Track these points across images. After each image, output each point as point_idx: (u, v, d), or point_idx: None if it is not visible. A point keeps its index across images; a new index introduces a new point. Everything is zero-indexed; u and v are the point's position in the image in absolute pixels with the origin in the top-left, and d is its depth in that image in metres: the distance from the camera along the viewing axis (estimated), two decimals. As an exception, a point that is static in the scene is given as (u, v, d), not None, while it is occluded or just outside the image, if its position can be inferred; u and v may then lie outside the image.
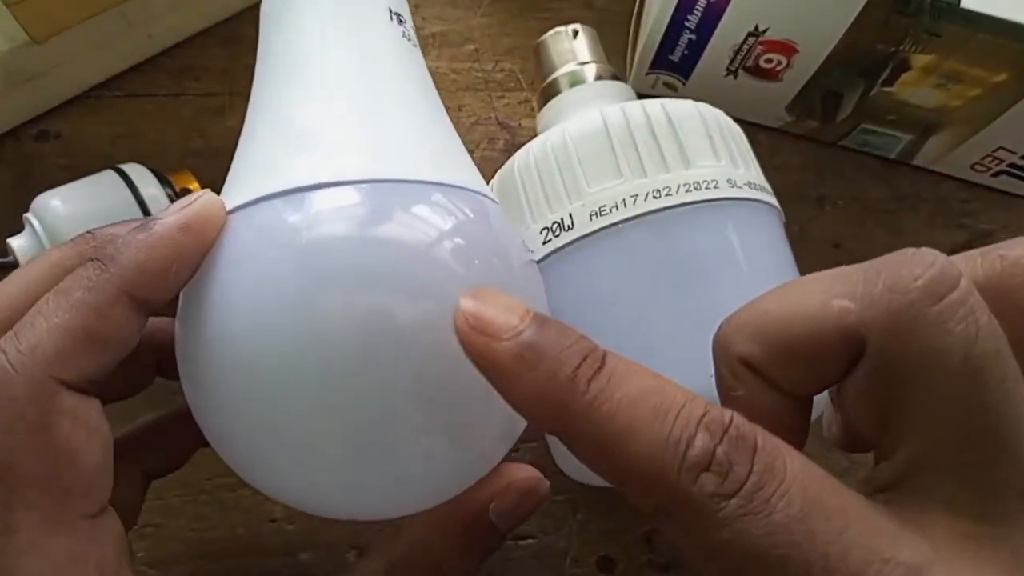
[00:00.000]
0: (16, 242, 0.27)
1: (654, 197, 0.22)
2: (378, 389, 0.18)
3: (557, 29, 0.29)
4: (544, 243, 0.23)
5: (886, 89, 0.31)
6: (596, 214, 0.23)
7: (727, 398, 0.17)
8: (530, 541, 0.29)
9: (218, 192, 0.20)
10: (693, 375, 0.19)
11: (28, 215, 0.27)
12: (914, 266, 0.15)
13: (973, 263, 0.16)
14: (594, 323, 0.22)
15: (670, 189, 0.22)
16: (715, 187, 0.23)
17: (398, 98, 0.21)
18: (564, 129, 0.24)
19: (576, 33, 0.29)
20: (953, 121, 0.31)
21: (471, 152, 0.33)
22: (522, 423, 0.20)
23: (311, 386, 0.18)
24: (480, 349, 0.16)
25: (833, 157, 0.35)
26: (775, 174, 0.29)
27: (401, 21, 0.23)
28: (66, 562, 0.17)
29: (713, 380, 0.17)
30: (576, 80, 0.28)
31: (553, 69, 0.28)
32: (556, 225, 0.23)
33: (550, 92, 0.28)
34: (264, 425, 0.18)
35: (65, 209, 0.27)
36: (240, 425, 0.19)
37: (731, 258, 0.22)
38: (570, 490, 0.23)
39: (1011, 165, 0.33)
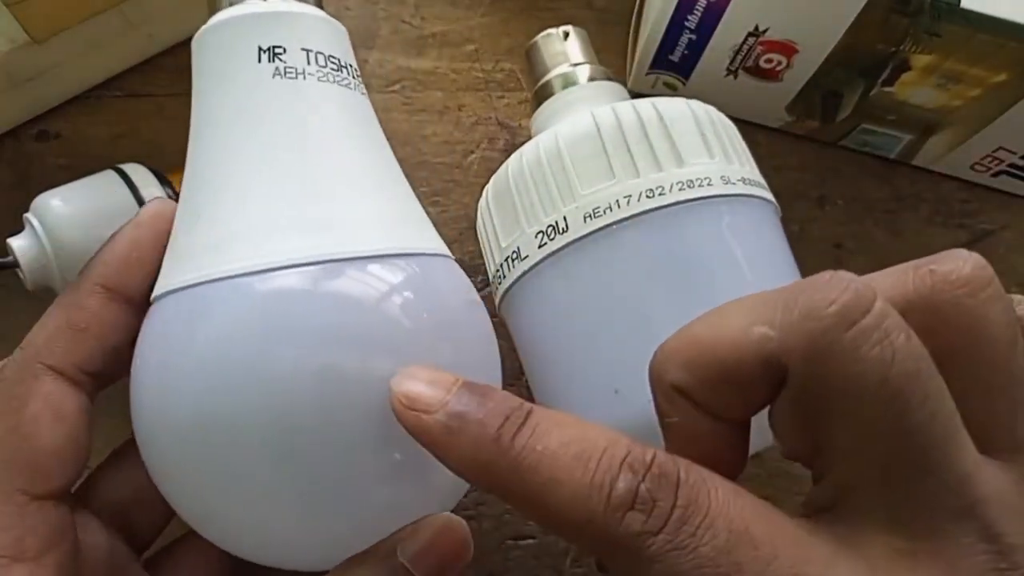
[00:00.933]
0: (16, 242, 0.27)
1: (647, 197, 0.22)
2: (327, 443, 0.18)
3: (548, 31, 0.29)
4: (539, 247, 0.23)
5: (886, 89, 0.31)
6: (590, 216, 0.22)
7: (663, 425, 0.17)
8: (530, 541, 0.29)
9: None
10: None
11: (28, 215, 0.27)
12: (829, 291, 0.15)
13: (905, 278, 0.16)
14: (593, 325, 0.22)
15: (663, 188, 0.22)
16: (708, 184, 0.23)
17: (328, 161, 0.20)
18: (556, 132, 0.24)
19: (567, 35, 0.29)
20: (953, 121, 0.31)
21: (471, 152, 0.34)
22: None
23: (262, 443, 0.18)
24: (413, 424, 0.17)
25: (833, 157, 0.35)
26: (775, 174, 0.29)
27: (357, 76, 0.22)
28: None
29: None
30: (569, 82, 0.27)
31: (546, 71, 0.28)
32: (551, 228, 0.23)
33: (543, 95, 0.28)
34: (217, 484, 0.19)
35: (65, 209, 0.27)
36: (194, 485, 0.19)
37: (728, 255, 0.22)
38: (570, 490, 0.23)
39: (1011, 165, 0.33)
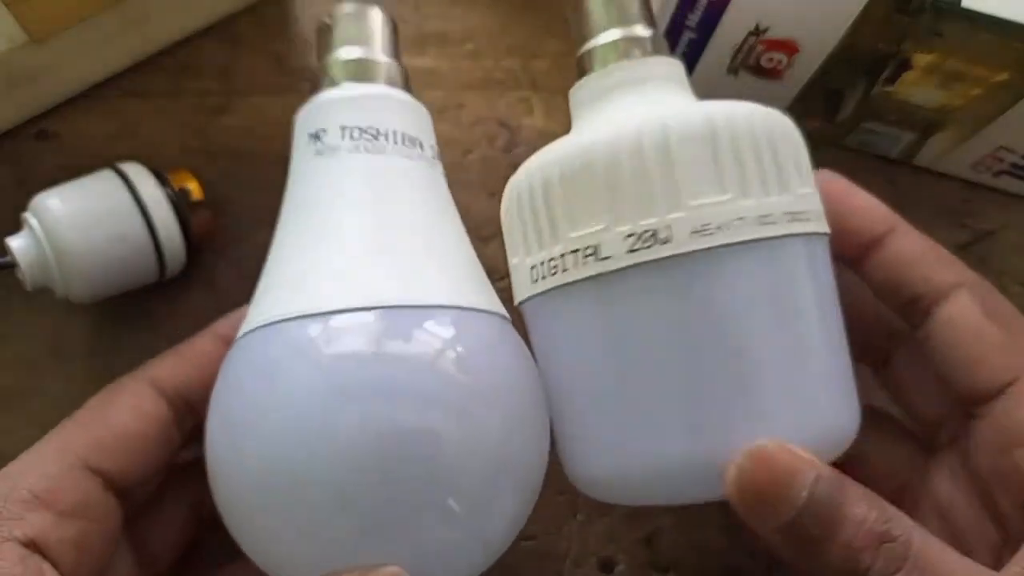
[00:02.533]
0: (15, 242, 0.27)
1: (760, 224, 0.20)
2: (386, 495, 0.19)
3: None
4: (630, 251, 0.20)
5: (887, 88, 0.31)
6: (699, 232, 0.20)
7: None
8: (530, 542, 0.29)
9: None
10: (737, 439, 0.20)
11: (27, 214, 0.27)
12: None
13: None
14: (676, 348, 0.20)
15: (773, 216, 0.20)
16: (808, 220, 0.21)
17: (409, 227, 0.22)
18: (664, 120, 0.20)
19: None
20: (954, 120, 0.31)
21: (471, 151, 0.34)
22: (529, 508, 0.23)
23: (325, 494, 0.19)
24: (757, 514, 0.19)
25: (834, 156, 0.35)
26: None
27: (416, 145, 0.24)
28: None
29: None
30: (633, 51, 0.23)
31: (604, 27, 0.24)
32: (648, 234, 0.20)
33: (603, 57, 0.24)
34: (280, 528, 0.20)
35: (64, 208, 0.27)
36: (259, 527, 0.20)
37: (818, 295, 0.21)
38: (571, 490, 0.23)
39: (1012, 165, 0.33)
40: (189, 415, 0.23)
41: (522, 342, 0.23)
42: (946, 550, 0.18)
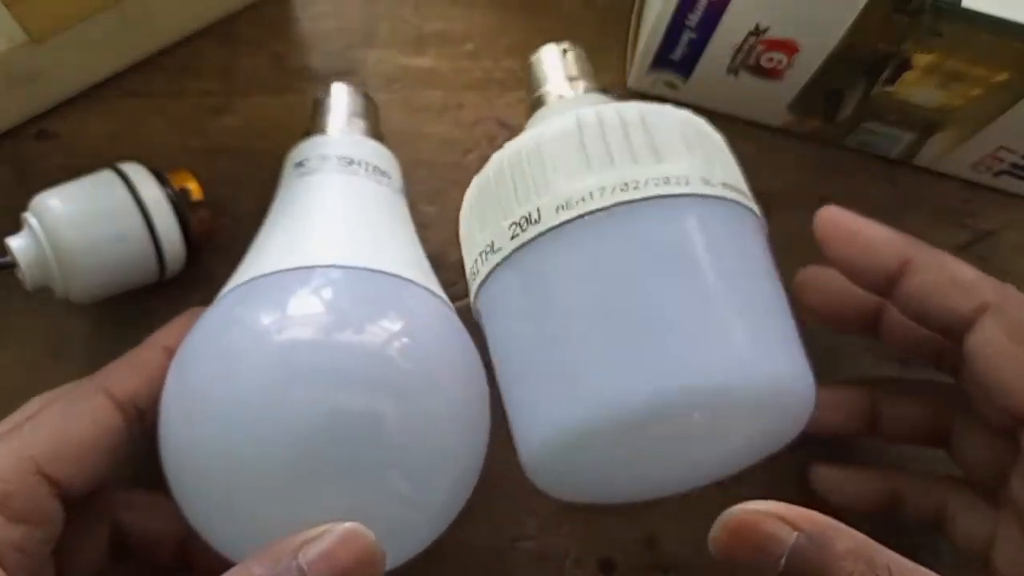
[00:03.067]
0: (15, 242, 0.27)
1: (621, 190, 0.22)
2: (335, 474, 0.21)
3: (549, 45, 0.29)
4: (512, 238, 0.23)
5: (887, 88, 0.31)
6: (563, 207, 0.22)
7: None
8: (530, 542, 0.29)
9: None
10: (647, 376, 0.20)
11: (27, 215, 0.27)
12: None
13: None
14: (560, 317, 0.22)
15: (638, 182, 0.22)
16: (686, 183, 0.22)
17: (371, 224, 0.26)
18: (538, 131, 0.24)
19: (566, 52, 0.29)
20: (954, 121, 0.31)
21: (471, 151, 0.34)
22: (472, 481, 0.24)
23: (277, 474, 0.21)
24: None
25: (834, 156, 0.35)
26: (776, 173, 0.29)
27: (385, 175, 0.28)
28: None
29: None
30: (562, 96, 0.28)
31: (541, 84, 0.28)
32: (524, 219, 0.22)
33: (536, 105, 0.28)
34: (233, 506, 0.21)
35: (64, 208, 0.27)
36: (213, 506, 0.22)
37: (694, 256, 0.22)
38: (570, 491, 0.23)
39: (1012, 165, 0.33)
40: (138, 425, 0.24)
41: (464, 329, 0.25)
42: None
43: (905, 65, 0.30)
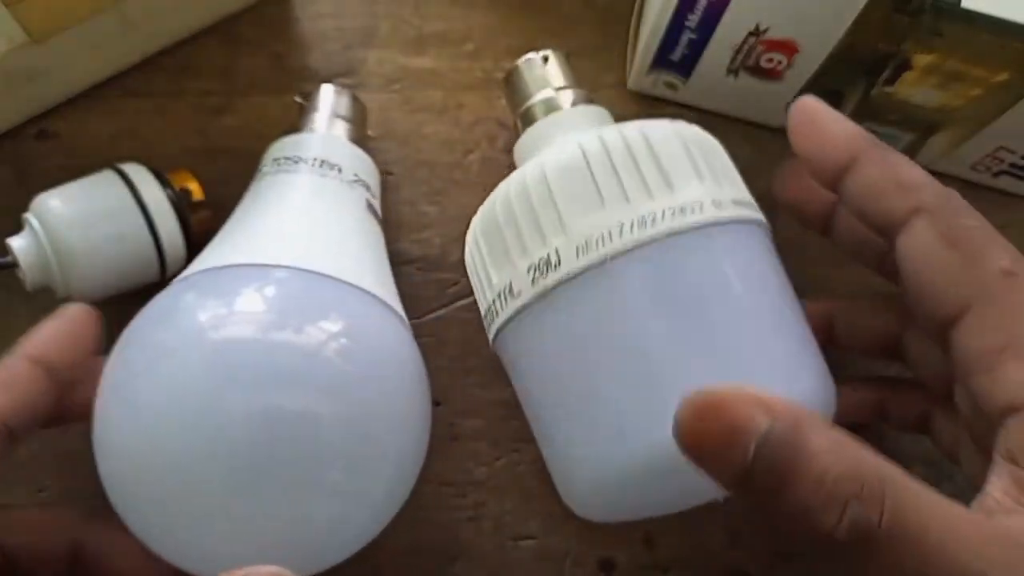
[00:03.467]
0: (16, 242, 0.27)
1: (639, 226, 0.21)
2: (273, 473, 0.21)
3: (528, 56, 0.29)
4: (532, 283, 0.22)
5: (887, 89, 0.31)
6: (582, 249, 0.21)
7: None
8: (530, 542, 0.29)
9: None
10: None
11: (27, 215, 0.27)
12: None
13: None
14: (592, 364, 0.22)
15: (655, 216, 0.21)
16: (700, 210, 0.22)
17: (308, 219, 0.26)
18: (541, 161, 0.23)
19: (547, 59, 0.28)
20: (954, 121, 0.31)
21: (471, 152, 0.34)
22: (410, 482, 0.25)
23: (213, 473, 0.21)
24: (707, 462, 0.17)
25: (834, 157, 0.35)
26: (776, 174, 0.29)
27: (334, 168, 0.28)
28: None
29: None
30: (551, 107, 0.27)
31: (528, 97, 0.28)
32: (543, 263, 0.22)
33: (526, 121, 0.28)
34: (169, 503, 0.21)
35: (65, 209, 0.27)
36: (149, 502, 0.22)
37: (724, 284, 0.22)
38: (570, 491, 0.23)
39: (1012, 165, 0.33)
40: (8, 445, 0.22)
41: (410, 339, 0.25)
42: (922, 494, 0.17)
43: (905, 65, 0.30)
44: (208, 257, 0.25)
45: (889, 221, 0.21)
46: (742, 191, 0.24)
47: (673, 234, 0.21)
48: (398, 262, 0.32)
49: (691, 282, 0.21)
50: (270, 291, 0.23)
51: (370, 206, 0.29)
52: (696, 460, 0.17)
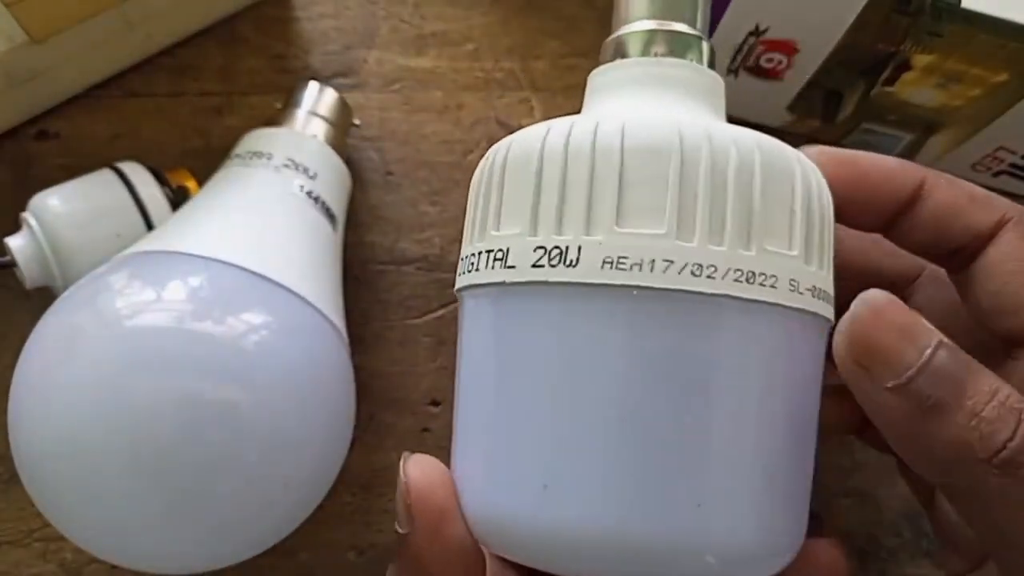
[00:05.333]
0: (14, 242, 0.27)
1: (693, 273, 0.16)
2: (184, 460, 0.21)
3: None
4: (533, 265, 0.17)
5: (887, 89, 0.31)
6: (611, 263, 0.17)
7: None
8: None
9: None
10: (625, 513, 0.16)
11: (26, 214, 0.27)
12: None
13: None
14: (557, 390, 0.17)
15: (715, 269, 0.16)
16: (772, 287, 0.17)
17: (222, 209, 0.26)
18: (624, 123, 0.17)
19: None
20: (954, 121, 0.31)
21: (471, 152, 0.34)
22: (333, 475, 0.25)
23: (124, 459, 0.21)
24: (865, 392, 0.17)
25: (834, 157, 0.35)
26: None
27: (263, 157, 0.28)
28: None
29: None
30: (670, 47, 0.20)
31: (629, 19, 0.21)
32: (557, 252, 0.17)
33: (619, 50, 0.21)
34: (79, 487, 0.21)
35: (63, 208, 0.27)
36: (59, 485, 0.22)
37: (749, 382, 0.17)
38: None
39: (1011, 165, 0.33)
40: None
41: (341, 349, 0.25)
42: None
43: (905, 65, 0.30)
44: (152, 239, 0.25)
45: (975, 235, 0.20)
46: (827, 277, 0.19)
47: (725, 297, 0.17)
48: (398, 262, 0.32)
49: (716, 363, 0.17)
50: (195, 281, 0.23)
51: (327, 210, 0.28)
52: (859, 357, 0.16)
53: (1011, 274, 0.19)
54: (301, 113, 0.30)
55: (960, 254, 0.20)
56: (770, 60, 0.31)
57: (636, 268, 0.17)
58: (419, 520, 0.18)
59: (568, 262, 0.17)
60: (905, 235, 0.21)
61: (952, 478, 0.17)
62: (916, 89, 0.30)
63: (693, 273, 0.16)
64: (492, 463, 0.18)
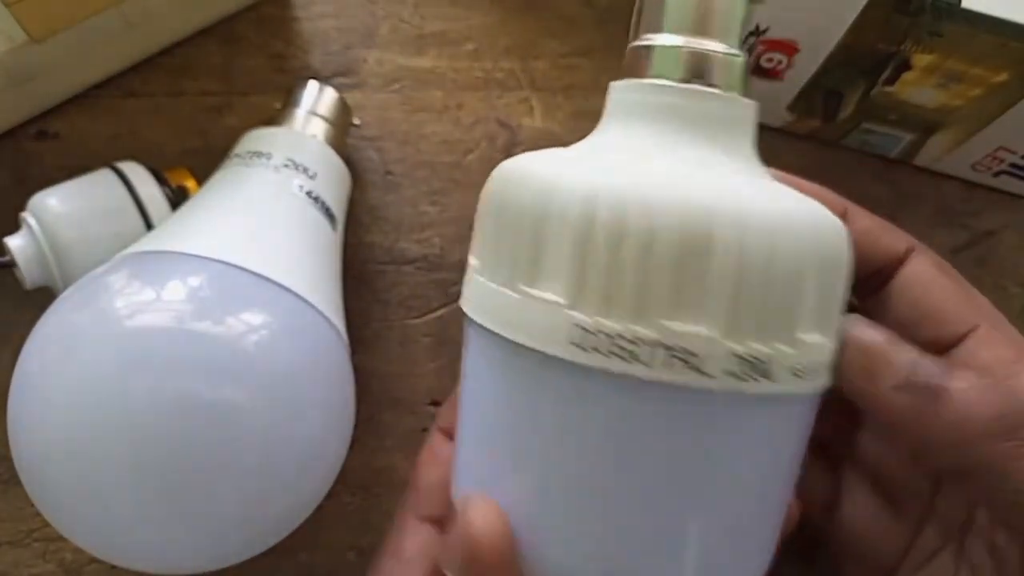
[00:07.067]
0: (13, 241, 0.27)
1: (727, 371, 0.16)
2: (182, 460, 0.21)
3: None
4: (584, 349, 0.16)
5: (887, 89, 0.31)
6: (672, 354, 0.16)
7: None
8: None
9: None
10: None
11: (25, 214, 0.27)
12: None
13: None
14: (573, 466, 0.17)
15: (768, 365, 0.16)
16: (785, 380, 0.17)
17: (227, 210, 0.26)
18: (681, 195, 0.16)
19: None
20: (954, 121, 0.31)
21: (471, 152, 0.34)
22: (332, 476, 0.25)
23: (123, 459, 0.21)
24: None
25: (834, 157, 0.35)
26: (776, 174, 0.29)
27: (262, 156, 0.28)
28: None
29: None
30: (687, 70, 0.18)
31: (662, 27, 0.19)
32: (623, 341, 0.16)
33: (636, 65, 0.19)
34: (78, 486, 0.21)
35: (62, 208, 0.27)
36: (58, 485, 0.22)
37: (751, 470, 0.17)
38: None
39: (1012, 165, 0.33)
40: None
41: (341, 350, 0.25)
42: None
43: (905, 65, 0.30)
44: (151, 238, 0.25)
45: (892, 256, 0.23)
46: (826, 348, 0.18)
47: (758, 397, 0.16)
48: (398, 262, 0.32)
49: (726, 454, 0.17)
50: (195, 281, 0.23)
51: (326, 209, 0.28)
52: (864, 364, 0.19)
53: (928, 284, 0.22)
54: (301, 113, 0.30)
55: (874, 278, 0.23)
56: (770, 60, 0.31)
57: (681, 361, 0.16)
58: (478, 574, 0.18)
59: (633, 354, 0.16)
60: None
61: (960, 457, 0.19)
62: (916, 89, 0.30)
63: (727, 371, 0.16)
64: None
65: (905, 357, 0.19)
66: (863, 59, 0.30)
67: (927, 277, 0.22)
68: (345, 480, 0.26)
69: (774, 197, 0.17)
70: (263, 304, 0.23)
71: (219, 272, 0.23)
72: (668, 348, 0.16)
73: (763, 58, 0.31)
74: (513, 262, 0.17)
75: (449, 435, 0.23)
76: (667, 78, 0.18)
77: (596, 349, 0.16)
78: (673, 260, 0.16)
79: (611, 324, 0.16)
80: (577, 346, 0.16)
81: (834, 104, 0.32)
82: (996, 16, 0.27)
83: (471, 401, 0.19)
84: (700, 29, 0.18)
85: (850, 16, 0.28)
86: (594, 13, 0.36)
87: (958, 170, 0.34)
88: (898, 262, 0.23)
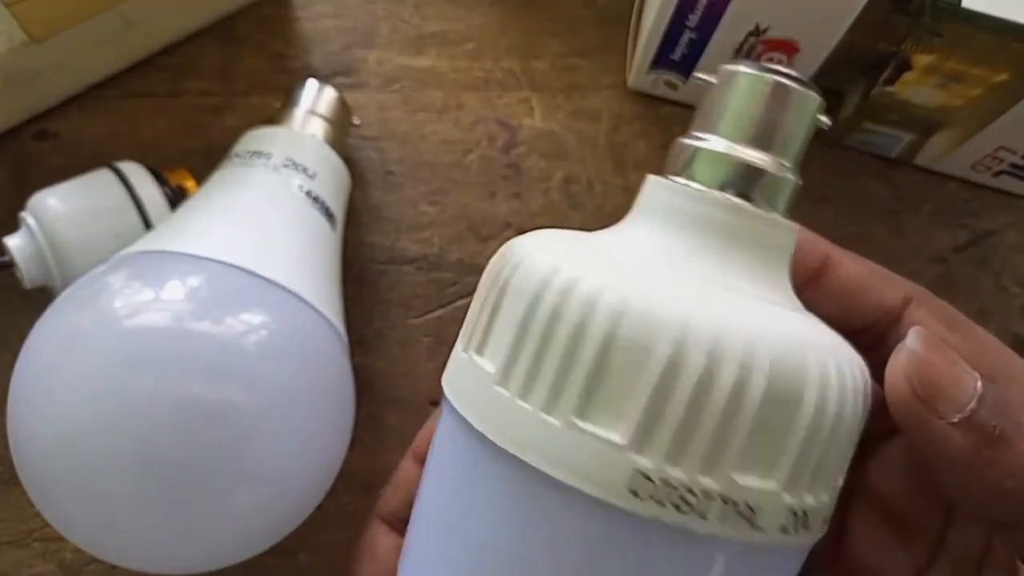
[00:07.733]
0: (13, 241, 0.27)
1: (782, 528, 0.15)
2: (184, 461, 0.21)
3: (762, 71, 0.18)
4: (643, 496, 0.15)
5: (887, 89, 0.31)
6: (759, 525, 0.15)
7: None
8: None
9: None
10: None
11: (24, 214, 0.27)
12: None
13: None
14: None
15: (802, 517, 0.16)
16: (791, 532, 0.16)
17: (231, 211, 0.26)
18: (755, 364, 0.15)
19: (782, 89, 0.18)
20: (954, 121, 0.31)
21: (471, 151, 0.34)
22: (332, 476, 0.25)
23: (125, 459, 0.21)
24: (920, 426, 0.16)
25: (834, 157, 0.35)
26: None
27: (261, 156, 0.28)
28: None
29: None
30: (720, 177, 0.17)
31: (712, 127, 0.18)
32: (689, 496, 0.15)
33: (677, 158, 0.18)
34: (84, 494, 0.21)
35: (61, 207, 0.27)
36: (59, 486, 0.22)
37: None
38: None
39: (1012, 165, 0.33)
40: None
41: (340, 350, 0.25)
42: None
43: (905, 65, 0.30)
44: (150, 238, 0.25)
45: (884, 311, 0.20)
46: (826, 502, 0.17)
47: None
48: (398, 262, 0.32)
49: None
50: (194, 281, 0.23)
51: (326, 209, 0.28)
52: (922, 394, 0.16)
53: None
54: (300, 112, 0.30)
55: (866, 333, 0.20)
56: (770, 60, 0.31)
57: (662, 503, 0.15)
58: None
59: (682, 503, 0.15)
60: (817, 304, 0.20)
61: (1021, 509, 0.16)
62: (916, 89, 0.30)
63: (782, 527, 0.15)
64: None
65: (970, 384, 0.16)
66: (863, 59, 0.30)
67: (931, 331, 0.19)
68: (345, 480, 0.26)
69: (836, 347, 0.16)
70: (262, 304, 0.23)
71: (218, 272, 0.23)
72: (729, 502, 0.15)
73: (763, 58, 0.31)
74: (557, 388, 0.15)
75: (391, 524, 0.23)
76: (711, 186, 0.17)
77: (652, 497, 0.15)
78: (761, 412, 0.15)
79: (678, 474, 0.15)
80: (633, 493, 0.15)
81: (834, 104, 0.32)
82: (996, 16, 0.27)
83: (450, 512, 0.17)
84: (760, 142, 0.17)
85: (850, 16, 0.28)
86: (594, 13, 0.36)
87: (958, 170, 0.34)
88: (894, 316, 0.20)
